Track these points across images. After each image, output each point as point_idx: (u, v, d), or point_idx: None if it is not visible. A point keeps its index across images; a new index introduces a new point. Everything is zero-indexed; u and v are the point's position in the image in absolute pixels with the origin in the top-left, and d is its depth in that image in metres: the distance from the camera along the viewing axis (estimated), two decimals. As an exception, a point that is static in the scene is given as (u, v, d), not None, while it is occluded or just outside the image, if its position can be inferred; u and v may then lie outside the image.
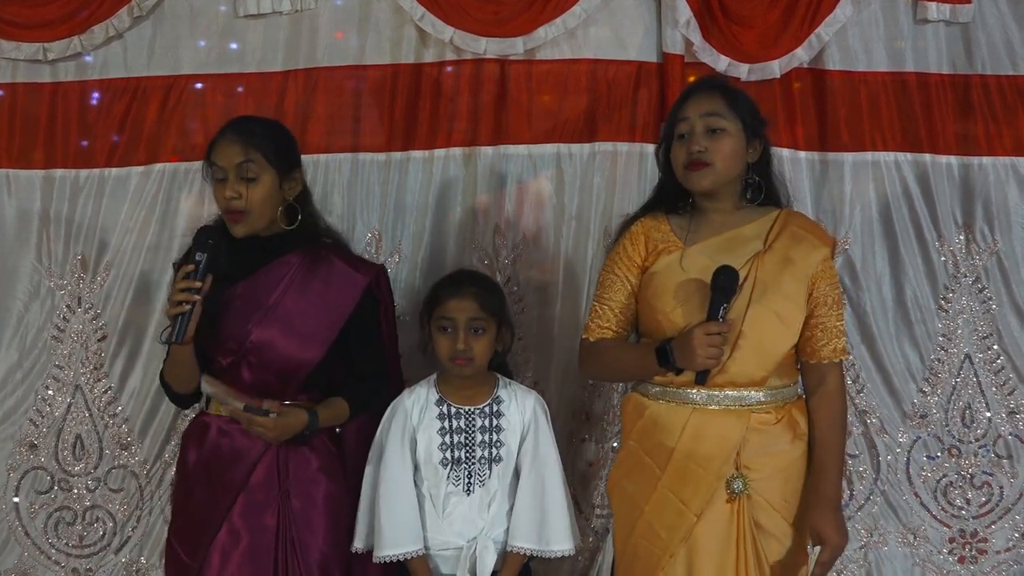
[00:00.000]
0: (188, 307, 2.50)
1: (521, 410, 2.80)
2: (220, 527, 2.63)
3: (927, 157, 3.48)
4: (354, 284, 2.75)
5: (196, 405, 2.86)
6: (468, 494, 2.75)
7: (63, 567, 3.51)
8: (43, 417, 3.51)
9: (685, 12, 3.35)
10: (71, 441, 3.51)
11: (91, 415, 3.50)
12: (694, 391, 2.49)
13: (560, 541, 2.73)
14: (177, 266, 2.70)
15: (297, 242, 2.73)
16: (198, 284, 2.50)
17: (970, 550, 3.50)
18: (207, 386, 2.67)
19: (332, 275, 2.74)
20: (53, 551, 3.51)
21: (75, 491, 3.51)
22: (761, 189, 2.60)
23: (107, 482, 3.51)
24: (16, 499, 3.52)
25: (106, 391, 3.49)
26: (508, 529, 2.75)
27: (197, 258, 2.52)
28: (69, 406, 3.51)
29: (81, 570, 3.51)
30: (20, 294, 3.53)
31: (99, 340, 3.49)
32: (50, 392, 3.51)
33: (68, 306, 3.51)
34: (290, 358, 2.67)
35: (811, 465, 2.56)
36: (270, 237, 2.71)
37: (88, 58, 3.50)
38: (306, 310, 2.69)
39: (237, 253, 2.65)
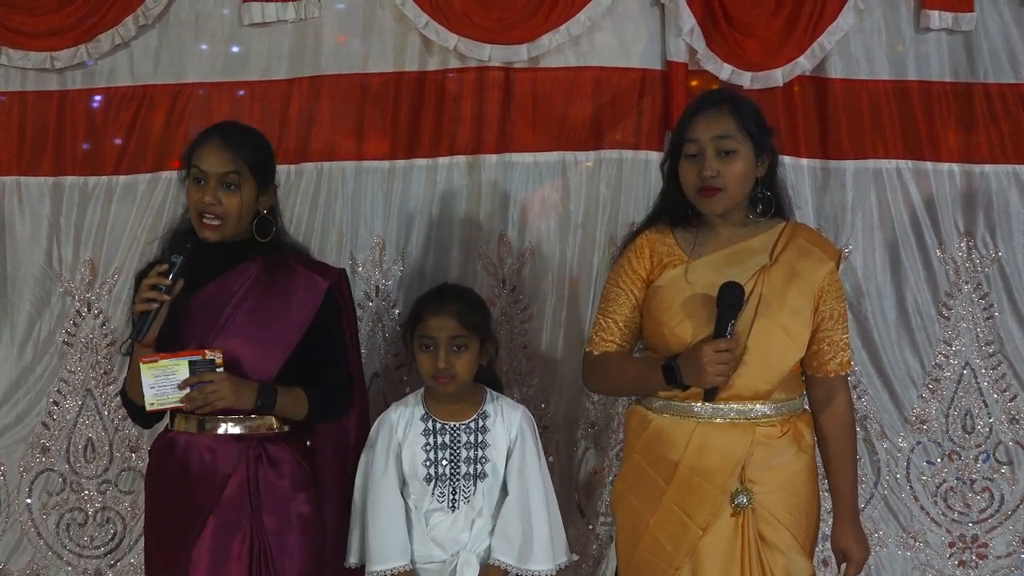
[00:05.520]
0: (156, 305, 2.47)
1: (507, 426, 2.78)
2: (192, 549, 2.57)
3: (928, 165, 3.48)
4: (315, 288, 2.70)
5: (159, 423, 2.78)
6: (453, 510, 2.74)
7: (74, 568, 3.54)
8: (55, 420, 3.55)
9: (689, 20, 3.34)
10: (82, 444, 3.55)
11: (101, 418, 3.54)
12: (698, 404, 2.47)
13: (540, 561, 2.71)
14: (139, 275, 2.66)
15: (258, 250, 2.69)
16: (168, 282, 2.47)
17: (970, 555, 3.50)
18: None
19: (293, 280, 2.69)
20: (65, 552, 3.55)
21: (86, 493, 3.55)
22: (771, 204, 2.57)
23: (117, 484, 3.55)
24: (29, 500, 3.55)
25: (116, 395, 3.50)
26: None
27: (173, 259, 2.50)
28: (80, 409, 3.54)
29: (91, 570, 3.55)
30: (32, 299, 3.56)
31: (108, 345, 3.52)
32: (61, 396, 3.55)
33: (78, 311, 3.54)
34: (254, 366, 2.62)
35: (828, 475, 2.59)
36: (233, 244, 2.67)
37: (92, 63, 3.52)
38: (267, 316, 2.64)
39: (198, 257, 2.59)
